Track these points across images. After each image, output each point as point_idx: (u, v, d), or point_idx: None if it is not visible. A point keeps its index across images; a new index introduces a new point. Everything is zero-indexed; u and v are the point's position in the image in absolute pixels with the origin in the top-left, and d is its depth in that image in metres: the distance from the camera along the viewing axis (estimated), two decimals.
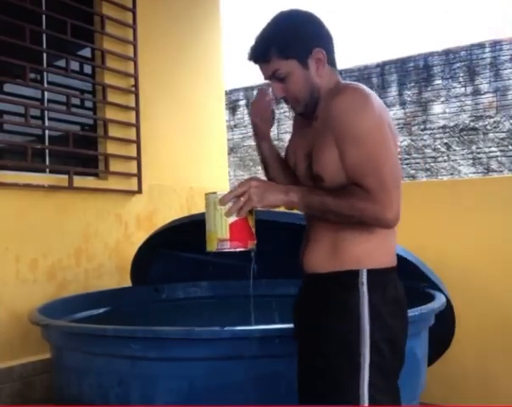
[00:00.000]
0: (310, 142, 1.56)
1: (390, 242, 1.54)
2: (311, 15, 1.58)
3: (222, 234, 1.45)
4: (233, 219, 1.45)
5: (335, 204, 1.42)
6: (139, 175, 3.82)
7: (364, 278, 1.46)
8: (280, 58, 1.51)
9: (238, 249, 1.47)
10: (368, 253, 1.49)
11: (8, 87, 3.33)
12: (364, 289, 1.44)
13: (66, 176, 3.37)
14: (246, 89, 11.56)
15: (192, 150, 4.38)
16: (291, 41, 1.51)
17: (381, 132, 1.44)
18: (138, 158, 3.83)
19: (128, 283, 3.38)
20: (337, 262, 1.50)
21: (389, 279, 1.51)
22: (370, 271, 1.47)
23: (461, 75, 9.13)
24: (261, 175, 1.83)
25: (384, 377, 1.44)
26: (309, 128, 1.59)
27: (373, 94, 1.49)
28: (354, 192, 1.42)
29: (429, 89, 9.43)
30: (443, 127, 9.30)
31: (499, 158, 8.77)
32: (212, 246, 1.47)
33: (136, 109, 3.85)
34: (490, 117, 8.85)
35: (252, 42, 1.56)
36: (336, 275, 1.50)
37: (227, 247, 1.46)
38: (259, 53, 1.54)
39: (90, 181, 3.61)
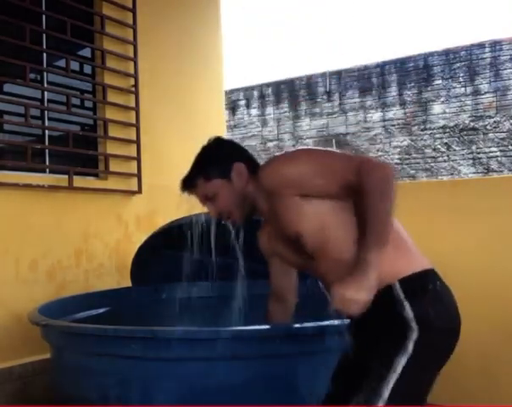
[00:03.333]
0: (275, 223, 1.64)
1: (403, 250, 1.56)
2: (223, 139, 1.92)
3: None
4: None
5: (377, 219, 1.44)
6: (139, 175, 3.82)
7: (398, 289, 1.48)
8: (204, 181, 1.75)
9: None
10: (390, 266, 1.49)
11: (8, 87, 3.33)
12: (402, 298, 1.47)
13: (66, 176, 3.37)
14: (246, 89, 11.56)
15: (192, 150, 4.35)
16: (211, 164, 1.77)
17: (310, 149, 1.65)
18: (138, 158, 3.83)
19: (128, 283, 3.38)
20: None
21: (426, 281, 1.56)
22: (401, 281, 1.49)
23: (461, 75, 9.13)
24: None
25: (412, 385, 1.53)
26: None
27: None
28: (362, 194, 1.44)
29: (429, 89, 9.43)
30: (443, 127, 9.30)
31: (499, 158, 8.78)
32: None
33: (136, 109, 3.85)
34: (490, 117, 8.86)
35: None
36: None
37: None
38: (187, 182, 1.80)
39: (90, 181, 3.61)
